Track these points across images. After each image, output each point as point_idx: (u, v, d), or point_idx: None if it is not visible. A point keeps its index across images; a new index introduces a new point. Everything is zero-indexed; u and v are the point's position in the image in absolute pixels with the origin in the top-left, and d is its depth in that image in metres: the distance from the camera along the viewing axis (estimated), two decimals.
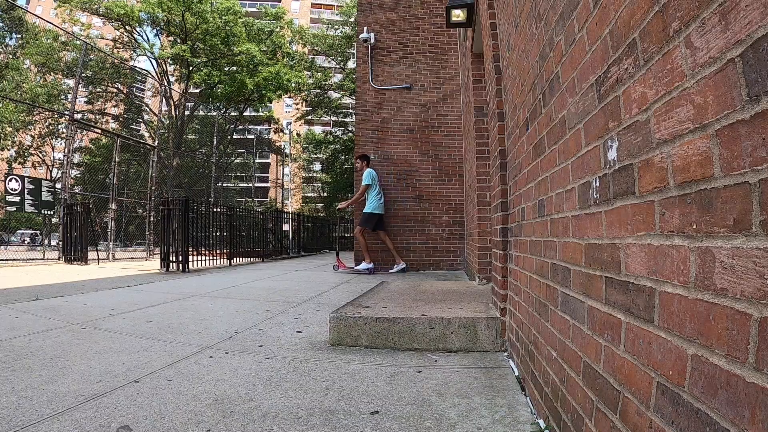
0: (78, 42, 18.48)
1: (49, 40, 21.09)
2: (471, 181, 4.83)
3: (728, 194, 0.52)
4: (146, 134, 25.62)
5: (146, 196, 12.75)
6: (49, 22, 14.63)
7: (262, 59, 22.72)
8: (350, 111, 26.80)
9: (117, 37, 24.28)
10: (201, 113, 26.97)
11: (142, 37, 24.01)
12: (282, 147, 27.96)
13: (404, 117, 7.15)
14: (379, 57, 7.32)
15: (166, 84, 22.08)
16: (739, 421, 0.49)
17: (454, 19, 4.04)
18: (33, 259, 9.47)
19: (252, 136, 27.50)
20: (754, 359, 0.47)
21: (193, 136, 26.92)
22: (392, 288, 3.63)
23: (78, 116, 14.00)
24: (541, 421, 1.37)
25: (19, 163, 24.05)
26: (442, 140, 7.05)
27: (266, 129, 33.05)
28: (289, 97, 28.45)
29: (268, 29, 23.94)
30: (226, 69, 23.34)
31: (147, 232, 12.04)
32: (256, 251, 10.39)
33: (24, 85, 21.07)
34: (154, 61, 24.01)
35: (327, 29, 28.82)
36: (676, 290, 0.64)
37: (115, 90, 24.21)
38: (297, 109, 30.82)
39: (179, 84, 25.24)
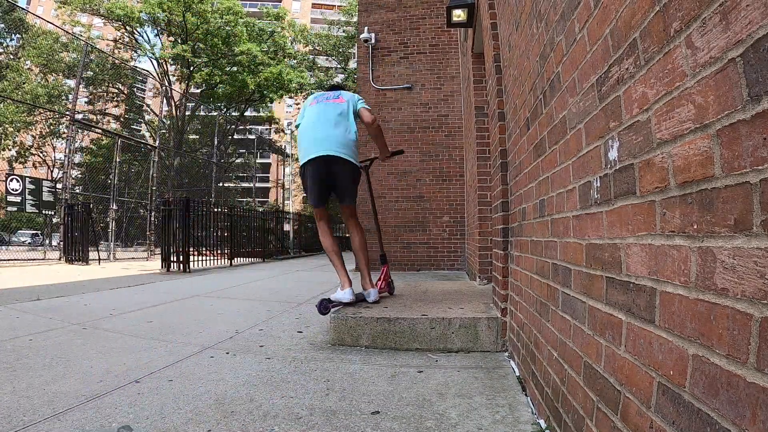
0: (79, 43, 18.52)
1: (48, 42, 21.11)
2: (472, 181, 4.83)
3: (729, 194, 0.52)
4: (147, 134, 25.66)
5: (147, 196, 12.77)
6: (50, 23, 14.64)
7: (264, 59, 22.75)
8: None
9: (118, 38, 24.31)
10: (202, 113, 26.99)
11: (143, 37, 24.06)
12: (283, 147, 27.97)
13: (405, 117, 7.15)
14: (380, 57, 7.32)
15: (167, 84, 22.11)
16: (739, 421, 0.49)
17: (454, 19, 4.04)
18: (34, 260, 9.49)
19: (253, 137, 27.47)
20: (755, 359, 0.47)
21: (194, 136, 26.95)
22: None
23: (79, 116, 14.03)
24: (541, 421, 1.37)
25: (20, 163, 24.09)
26: (442, 140, 7.05)
27: (267, 129, 33.09)
28: (290, 98, 28.48)
29: (270, 29, 23.97)
30: (227, 69, 23.37)
31: (148, 232, 12.06)
32: (257, 251, 10.40)
33: (25, 85, 21.10)
34: (155, 62, 24.04)
35: (329, 29, 28.85)
36: (677, 290, 0.64)
37: (116, 90, 24.25)
38: (298, 108, 30.81)
39: (180, 84, 25.28)
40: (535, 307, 1.55)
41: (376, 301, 2.81)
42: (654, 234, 0.71)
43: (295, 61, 25.57)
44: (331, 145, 2.68)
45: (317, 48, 27.92)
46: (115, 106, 25.31)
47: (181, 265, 7.05)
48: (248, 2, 36.28)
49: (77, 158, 20.54)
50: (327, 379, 1.81)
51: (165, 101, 19.70)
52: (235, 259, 9.03)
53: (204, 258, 8.02)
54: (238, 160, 30.30)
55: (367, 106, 2.89)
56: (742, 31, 0.49)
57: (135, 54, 26.08)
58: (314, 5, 51.52)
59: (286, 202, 25.36)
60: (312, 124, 2.76)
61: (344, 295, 2.68)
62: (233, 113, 26.46)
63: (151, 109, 26.64)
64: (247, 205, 23.09)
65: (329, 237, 2.92)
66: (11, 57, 22.55)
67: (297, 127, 2.92)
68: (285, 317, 3.14)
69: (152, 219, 12.08)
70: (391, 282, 3.26)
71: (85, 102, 23.89)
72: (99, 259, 9.37)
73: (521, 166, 1.83)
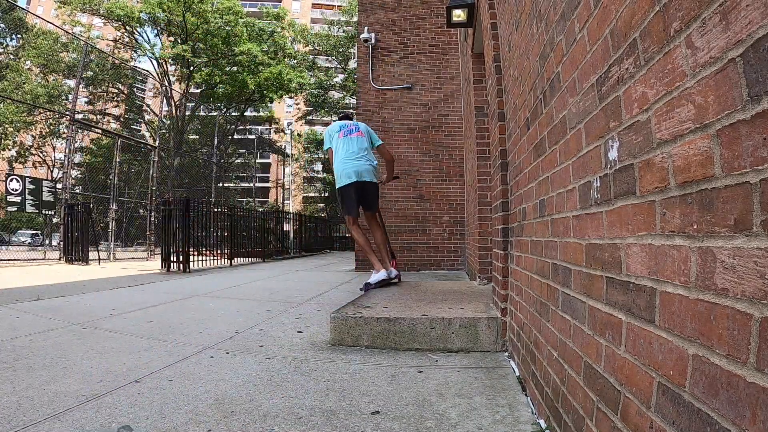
0: (79, 43, 18.53)
1: (48, 42, 21.12)
2: (472, 181, 4.83)
3: (729, 194, 0.52)
4: (147, 134, 25.67)
5: (147, 196, 12.78)
6: (50, 23, 14.64)
7: (264, 59, 22.74)
8: (352, 111, 26.84)
9: (118, 38, 24.32)
10: (202, 113, 26.99)
11: (142, 37, 24.06)
12: (283, 147, 27.97)
13: (405, 117, 7.15)
14: (380, 57, 7.32)
15: (167, 84, 22.11)
16: (739, 421, 0.49)
17: (454, 19, 4.04)
18: (34, 260, 9.48)
19: (253, 137, 27.44)
20: (755, 359, 0.47)
21: (194, 136, 26.96)
22: (393, 288, 3.63)
23: (79, 116, 14.03)
24: (542, 421, 1.37)
25: (20, 163, 24.10)
26: (442, 140, 7.05)
27: (267, 129, 33.10)
28: (290, 98, 28.47)
29: (270, 29, 23.97)
30: (227, 69, 23.37)
31: (148, 232, 12.06)
32: (257, 251, 10.40)
33: (25, 85, 21.12)
34: (155, 62, 24.05)
35: (329, 29, 28.86)
36: (677, 290, 0.64)
37: (116, 90, 24.25)
38: (298, 108, 30.82)
39: (180, 84, 25.28)
40: (535, 307, 1.55)
41: (397, 276, 4.00)
42: (654, 234, 0.71)
43: (295, 61, 25.58)
44: (363, 173, 3.82)
45: (317, 48, 27.93)
46: (115, 106, 25.32)
47: (181, 265, 7.04)
48: (248, 2, 36.29)
49: (77, 158, 20.54)
50: (327, 379, 1.81)
51: (165, 101, 19.72)
52: (235, 259, 9.02)
53: (204, 258, 8.02)
54: (238, 160, 30.31)
55: (383, 143, 4.17)
56: (742, 31, 0.49)
57: (135, 54, 26.09)
58: (314, 5, 51.53)
59: (286, 202, 25.37)
60: (346, 157, 3.85)
61: (380, 275, 3.65)
62: (233, 113, 26.45)
63: (151, 109, 26.65)
64: (247, 205, 23.11)
65: (362, 236, 3.92)
66: (11, 57, 22.55)
67: (326, 150, 4.09)
68: (285, 317, 3.14)
69: (152, 219, 12.07)
70: (399, 273, 4.23)
71: (85, 102, 23.90)
72: (99, 259, 9.36)
73: (521, 166, 1.83)
